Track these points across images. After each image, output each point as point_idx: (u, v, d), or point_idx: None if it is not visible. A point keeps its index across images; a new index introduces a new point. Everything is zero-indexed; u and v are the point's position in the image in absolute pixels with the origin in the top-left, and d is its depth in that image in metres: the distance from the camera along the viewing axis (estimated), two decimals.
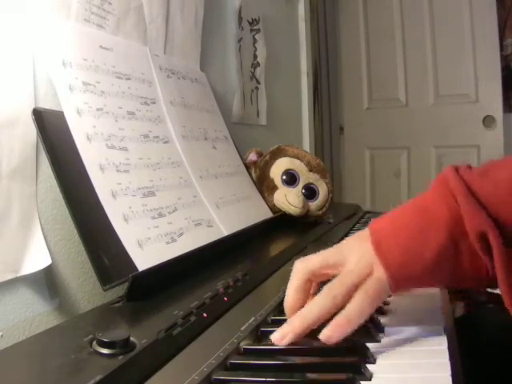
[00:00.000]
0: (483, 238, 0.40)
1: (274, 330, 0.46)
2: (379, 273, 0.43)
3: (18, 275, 0.55)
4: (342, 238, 0.91)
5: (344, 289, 0.43)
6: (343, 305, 0.42)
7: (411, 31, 2.29)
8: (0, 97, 0.55)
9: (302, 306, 0.45)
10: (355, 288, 0.43)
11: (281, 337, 0.43)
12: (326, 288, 0.44)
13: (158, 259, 0.56)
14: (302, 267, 0.47)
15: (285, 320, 0.45)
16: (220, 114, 0.98)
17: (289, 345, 0.42)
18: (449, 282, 0.45)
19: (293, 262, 0.68)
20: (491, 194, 0.41)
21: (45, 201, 0.62)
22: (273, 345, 0.44)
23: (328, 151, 2.46)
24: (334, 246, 0.47)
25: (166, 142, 0.74)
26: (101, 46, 0.69)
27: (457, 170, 0.44)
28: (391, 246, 0.43)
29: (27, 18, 0.59)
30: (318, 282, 0.48)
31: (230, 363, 0.39)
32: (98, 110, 0.63)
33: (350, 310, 0.42)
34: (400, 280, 0.43)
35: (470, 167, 0.45)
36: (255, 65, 1.38)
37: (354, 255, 0.45)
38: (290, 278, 0.47)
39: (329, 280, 0.45)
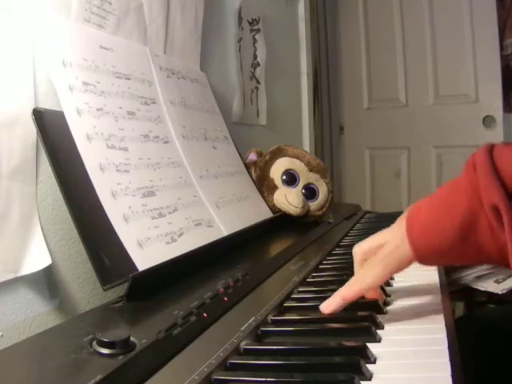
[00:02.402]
0: (497, 210, 0.40)
1: (274, 330, 0.47)
2: (404, 242, 0.45)
3: (18, 275, 0.55)
4: (342, 238, 0.91)
5: (379, 261, 0.47)
6: (380, 280, 0.47)
7: (411, 31, 2.29)
8: (0, 97, 0.55)
9: None
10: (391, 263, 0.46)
11: (326, 305, 0.48)
12: (365, 263, 0.49)
13: (158, 259, 0.56)
14: (357, 251, 0.52)
15: (285, 320, 0.47)
16: (220, 114, 0.98)
17: (289, 344, 0.43)
18: (473, 258, 0.44)
19: (293, 262, 0.69)
20: (510, 166, 0.41)
21: (45, 201, 0.62)
22: (273, 345, 0.44)
23: (328, 151, 2.46)
24: (387, 228, 0.51)
25: (166, 142, 0.74)
26: (101, 46, 0.69)
27: (492, 145, 0.44)
28: (419, 218, 0.45)
29: (27, 18, 0.59)
30: None
31: (230, 363, 0.39)
32: (98, 110, 0.63)
33: (365, 275, 0.46)
34: (421, 249, 0.44)
35: (508, 143, 0.45)
36: (255, 65, 1.38)
37: (392, 233, 0.48)
38: (354, 261, 0.53)
39: None
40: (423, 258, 0.45)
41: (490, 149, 0.43)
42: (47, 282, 0.61)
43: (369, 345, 0.40)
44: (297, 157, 0.98)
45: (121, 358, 0.36)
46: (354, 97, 2.48)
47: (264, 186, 0.96)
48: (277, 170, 0.97)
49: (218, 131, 0.94)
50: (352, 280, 0.48)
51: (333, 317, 0.48)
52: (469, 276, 1.01)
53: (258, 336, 0.46)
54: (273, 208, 0.95)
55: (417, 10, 2.26)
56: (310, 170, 0.98)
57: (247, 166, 0.99)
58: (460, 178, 0.45)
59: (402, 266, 0.47)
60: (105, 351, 0.37)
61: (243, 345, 0.42)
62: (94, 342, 0.38)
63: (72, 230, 0.56)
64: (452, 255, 0.44)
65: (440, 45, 2.22)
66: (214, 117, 0.96)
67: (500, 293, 0.93)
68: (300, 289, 0.59)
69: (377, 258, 0.48)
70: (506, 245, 0.39)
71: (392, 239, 0.48)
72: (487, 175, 0.41)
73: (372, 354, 0.39)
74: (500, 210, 0.39)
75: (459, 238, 0.42)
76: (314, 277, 0.65)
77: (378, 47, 2.38)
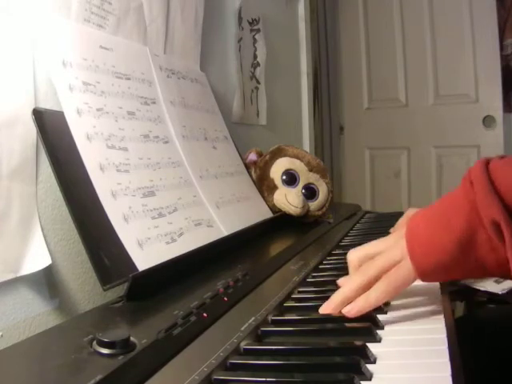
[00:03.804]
0: (497, 226, 0.40)
1: (274, 330, 0.47)
2: (406, 261, 0.46)
3: (18, 275, 0.55)
4: (342, 238, 0.91)
5: (372, 270, 0.48)
6: (370, 283, 0.47)
7: (411, 31, 2.29)
8: (0, 97, 0.55)
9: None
10: (384, 271, 0.47)
11: (324, 310, 0.49)
12: (359, 268, 0.50)
13: (158, 259, 0.56)
14: (352, 258, 0.53)
15: (285, 321, 0.47)
16: (220, 114, 0.98)
17: (289, 344, 0.43)
18: (474, 272, 0.45)
19: (293, 262, 0.69)
20: (509, 182, 0.41)
21: (45, 201, 0.62)
22: (273, 345, 0.44)
23: (328, 151, 2.46)
24: (383, 238, 0.52)
25: (166, 142, 0.74)
26: (101, 46, 0.69)
27: (488, 161, 0.44)
28: (418, 235, 0.46)
29: (27, 18, 0.59)
30: None
31: (230, 363, 0.39)
32: (98, 109, 0.63)
33: (370, 292, 0.46)
34: (424, 267, 0.45)
35: (503, 156, 0.45)
36: (255, 65, 1.38)
37: (390, 244, 0.49)
38: (349, 268, 0.53)
39: None
40: (426, 275, 0.46)
41: (486, 163, 0.44)
42: (47, 282, 0.61)
43: (369, 345, 0.40)
44: (297, 157, 0.98)
45: (121, 357, 0.36)
46: (354, 97, 2.48)
47: (264, 186, 0.96)
48: (277, 170, 0.97)
49: (218, 131, 0.94)
50: (359, 298, 0.48)
51: (333, 317, 0.49)
52: None
53: (258, 336, 0.46)
54: (273, 208, 0.95)
55: (417, 10, 2.26)
56: (310, 170, 0.98)
57: (247, 166, 0.99)
58: (457, 192, 0.45)
59: (405, 284, 0.47)
60: (105, 351, 0.37)
61: (243, 345, 0.42)
62: (94, 342, 0.38)
63: (72, 230, 0.56)
64: (453, 271, 0.45)
65: (440, 45, 2.22)
66: (213, 117, 0.96)
67: (500, 293, 0.93)
68: (300, 289, 0.59)
69: (374, 267, 0.48)
70: (506, 257, 0.40)
71: (389, 250, 0.48)
72: (485, 190, 0.41)
73: (372, 354, 0.39)
74: (500, 225, 0.40)
75: (459, 254, 0.43)
76: (314, 277, 0.65)
77: (378, 47, 2.38)
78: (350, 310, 0.47)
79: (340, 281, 0.53)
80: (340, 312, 0.48)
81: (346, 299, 0.49)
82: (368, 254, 0.51)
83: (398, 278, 0.46)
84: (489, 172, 0.42)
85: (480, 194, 0.41)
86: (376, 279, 0.48)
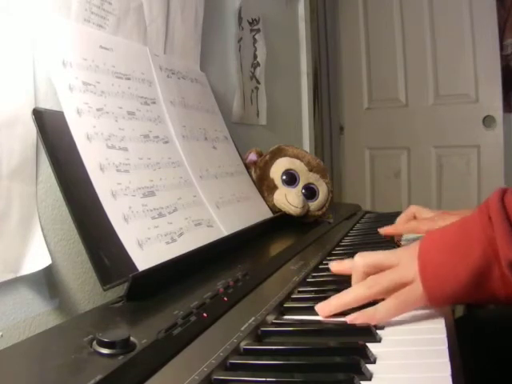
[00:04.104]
0: None
1: (274, 330, 0.47)
2: (417, 284, 0.46)
3: (18, 275, 0.55)
4: (342, 238, 0.91)
5: (381, 284, 0.48)
6: (376, 297, 0.48)
7: (411, 31, 2.29)
8: (0, 97, 0.55)
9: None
10: (393, 289, 0.47)
11: (320, 308, 0.49)
12: (368, 279, 0.49)
13: (158, 259, 0.56)
14: (361, 263, 0.52)
15: (285, 321, 0.48)
16: (220, 114, 0.98)
17: (289, 344, 0.43)
18: (482, 301, 0.47)
19: (293, 262, 0.69)
20: None
21: (45, 201, 0.62)
22: (273, 345, 0.44)
23: (328, 151, 2.46)
24: (392, 250, 0.52)
25: (166, 142, 0.74)
26: (101, 46, 0.69)
27: (504, 192, 0.45)
28: (431, 260, 0.46)
29: (27, 18, 0.59)
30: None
31: (230, 363, 0.39)
32: (98, 109, 0.63)
33: (379, 307, 0.46)
34: (435, 293, 0.46)
35: None
36: (255, 65, 1.38)
37: (404, 262, 0.48)
38: (352, 270, 0.53)
39: None
40: (435, 301, 0.46)
41: (502, 195, 0.44)
42: (47, 282, 0.61)
43: (369, 345, 0.40)
44: (297, 157, 0.98)
45: (121, 357, 0.36)
46: (354, 97, 2.48)
47: (264, 186, 0.96)
48: (277, 170, 0.97)
49: (218, 131, 0.94)
50: (368, 310, 0.47)
51: (333, 317, 0.49)
52: None
53: (258, 336, 0.46)
54: (273, 208, 0.95)
55: (417, 10, 2.26)
56: (310, 170, 0.98)
57: (247, 166, 0.99)
58: (473, 223, 0.45)
59: (413, 307, 0.47)
60: (105, 351, 0.37)
61: (243, 345, 0.42)
62: (94, 342, 0.38)
63: (72, 230, 0.56)
64: (463, 299, 0.46)
65: (440, 45, 2.22)
66: (213, 117, 0.96)
67: None
68: (300, 289, 0.59)
69: (383, 283, 0.48)
70: None
71: (401, 268, 0.48)
72: (505, 230, 0.42)
73: (372, 354, 0.39)
74: None
75: (472, 286, 0.44)
76: (314, 277, 0.65)
77: (377, 47, 2.39)
78: (355, 319, 0.47)
79: (333, 265, 0.55)
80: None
81: (346, 306, 0.49)
82: (377, 264, 0.51)
83: (409, 299, 0.47)
84: (505, 207, 0.43)
85: (499, 232, 0.42)
86: (381, 295, 0.48)
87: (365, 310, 0.47)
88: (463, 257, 0.44)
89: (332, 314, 0.49)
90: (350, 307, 0.48)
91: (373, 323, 0.46)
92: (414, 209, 0.80)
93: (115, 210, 0.57)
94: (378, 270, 0.50)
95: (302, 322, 0.49)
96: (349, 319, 0.47)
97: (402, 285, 0.47)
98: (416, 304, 0.47)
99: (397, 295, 0.47)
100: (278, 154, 0.99)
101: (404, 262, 0.48)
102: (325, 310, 0.49)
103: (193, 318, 0.45)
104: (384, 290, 0.48)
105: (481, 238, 0.44)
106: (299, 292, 0.59)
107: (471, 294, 0.44)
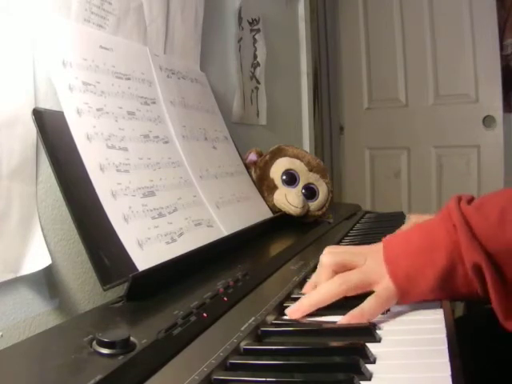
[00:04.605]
0: (478, 268, 0.46)
1: (274, 330, 0.47)
2: (388, 283, 0.49)
3: (18, 275, 0.55)
4: (342, 238, 0.91)
5: (351, 282, 0.50)
6: (346, 294, 0.50)
7: (411, 31, 2.29)
8: (0, 97, 0.55)
9: None
10: (362, 287, 0.50)
11: (292, 312, 0.50)
12: (336, 277, 0.51)
13: (158, 259, 0.56)
14: (327, 263, 0.54)
15: (285, 321, 0.48)
16: (220, 114, 0.98)
17: (289, 344, 0.43)
18: (449, 297, 0.51)
19: (293, 262, 0.69)
20: (483, 227, 0.47)
21: (45, 201, 0.62)
22: (273, 345, 0.44)
23: (328, 151, 2.46)
24: (358, 248, 0.56)
25: (166, 142, 0.74)
26: (101, 46, 0.69)
27: (459, 201, 0.50)
28: (400, 264, 0.50)
29: (27, 18, 0.59)
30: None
31: (230, 363, 0.39)
32: (98, 110, 0.63)
33: (365, 306, 0.48)
34: (406, 292, 0.49)
35: (472, 199, 0.52)
36: (255, 65, 1.38)
37: (370, 264, 0.52)
38: (318, 267, 0.55)
39: None
40: (407, 299, 0.50)
41: (458, 204, 0.50)
42: (47, 282, 0.61)
43: (369, 345, 0.41)
44: (297, 157, 0.98)
45: (121, 357, 0.36)
46: (353, 97, 2.48)
47: (264, 186, 0.96)
48: (277, 170, 0.97)
49: (218, 131, 0.94)
50: (354, 310, 0.48)
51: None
52: None
53: (258, 336, 0.46)
54: (273, 208, 0.95)
55: (417, 10, 2.26)
56: (310, 170, 0.98)
57: (247, 166, 0.99)
58: (438, 230, 0.50)
59: (389, 305, 0.50)
60: (105, 351, 0.37)
61: (243, 345, 0.42)
62: (94, 342, 0.38)
63: (72, 230, 0.56)
64: (431, 296, 0.50)
65: (440, 45, 2.22)
66: (213, 117, 0.96)
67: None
68: (300, 289, 0.59)
69: (354, 281, 0.51)
70: (476, 290, 0.47)
71: (370, 270, 0.51)
72: (468, 237, 0.47)
73: (372, 354, 0.40)
74: (482, 267, 0.45)
75: (439, 286, 0.48)
76: None
77: (377, 47, 2.38)
78: (347, 321, 0.48)
79: (308, 285, 0.56)
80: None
81: (318, 304, 0.50)
82: (345, 263, 0.53)
83: (387, 298, 0.49)
84: (465, 217, 0.48)
85: (463, 239, 0.47)
86: (350, 293, 0.50)
87: (351, 311, 0.48)
88: (430, 259, 0.48)
89: (305, 314, 0.50)
90: (323, 305, 0.50)
91: (361, 322, 0.47)
92: (414, 219, 0.80)
93: (115, 209, 0.57)
94: (345, 268, 0.53)
95: (302, 322, 0.49)
96: (339, 322, 0.48)
97: (369, 284, 0.50)
98: (392, 301, 0.50)
99: (376, 294, 0.49)
100: (278, 154, 0.99)
101: (370, 264, 0.51)
102: (297, 312, 0.50)
103: (193, 318, 0.45)
104: (353, 288, 0.50)
105: (446, 242, 0.48)
106: (299, 292, 0.59)
107: (438, 291, 0.49)
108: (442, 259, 0.48)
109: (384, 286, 0.49)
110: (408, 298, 0.50)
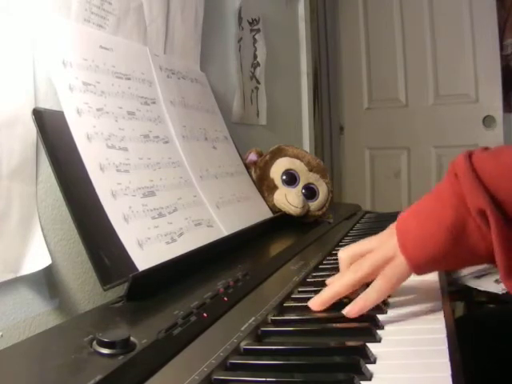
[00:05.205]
0: (483, 214, 0.42)
1: (274, 330, 0.47)
2: (399, 257, 0.47)
3: (18, 275, 0.55)
4: (342, 238, 0.91)
5: (365, 267, 0.49)
6: (364, 280, 0.49)
7: (411, 31, 2.29)
8: (0, 97, 0.55)
9: None
10: (377, 268, 0.48)
11: (314, 304, 0.50)
12: (352, 265, 0.51)
13: (158, 259, 0.56)
14: (344, 256, 0.53)
15: (285, 321, 0.48)
16: (220, 114, 0.98)
17: (289, 344, 0.43)
18: (466, 260, 0.46)
19: (293, 262, 0.69)
20: (492, 172, 0.43)
21: (45, 201, 0.62)
22: (273, 345, 0.44)
23: (328, 151, 2.46)
24: (373, 236, 0.53)
25: (166, 142, 0.74)
26: (101, 46, 0.69)
27: (471, 152, 0.46)
28: (408, 229, 0.47)
29: (27, 18, 0.59)
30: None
31: (230, 363, 0.39)
32: (98, 109, 0.63)
33: (368, 292, 0.47)
34: (418, 261, 0.46)
35: (486, 148, 0.47)
36: (255, 65, 1.38)
37: (384, 241, 0.49)
38: (340, 266, 0.54)
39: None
40: (420, 268, 0.47)
41: (469, 155, 0.45)
42: (47, 282, 0.61)
43: (369, 345, 0.40)
44: (297, 157, 0.98)
45: (121, 357, 0.36)
46: (354, 97, 2.48)
47: (264, 186, 0.96)
48: (277, 170, 0.97)
49: (218, 131, 0.94)
50: (358, 298, 0.48)
51: (333, 317, 0.49)
52: (468, 276, 1.01)
53: (258, 336, 0.46)
54: (273, 208, 0.95)
55: (417, 10, 2.26)
56: (310, 170, 0.98)
57: (247, 166, 0.99)
58: (442, 186, 0.47)
59: (402, 280, 0.48)
60: (105, 351, 0.37)
61: (243, 345, 0.42)
62: (94, 342, 0.38)
63: (72, 230, 0.56)
64: (446, 261, 0.46)
65: (440, 45, 2.22)
66: (214, 117, 0.96)
67: (500, 293, 0.93)
68: (300, 289, 0.59)
69: (366, 264, 0.49)
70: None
71: (381, 247, 0.49)
72: (470, 181, 0.43)
73: (372, 354, 0.39)
74: (486, 212, 0.41)
75: (451, 245, 0.44)
76: (313, 277, 0.65)
77: (377, 47, 2.38)
78: (351, 311, 0.47)
79: (329, 280, 0.54)
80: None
81: (336, 295, 0.50)
82: (359, 252, 0.52)
83: (394, 274, 0.47)
84: (472, 163, 0.44)
85: (465, 185, 0.43)
86: (368, 276, 0.49)
87: (355, 300, 0.47)
88: (437, 220, 0.45)
89: (326, 305, 0.50)
90: (342, 296, 0.50)
91: (368, 308, 0.46)
92: None
93: (115, 209, 0.57)
94: (361, 257, 0.51)
95: (302, 322, 0.49)
96: (345, 312, 0.47)
97: (386, 262, 0.48)
98: (402, 277, 0.48)
99: (383, 274, 0.48)
100: (278, 154, 0.99)
101: (383, 242, 0.49)
102: (317, 303, 0.50)
103: (193, 318, 0.45)
104: (370, 271, 0.49)
105: (450, 197, 0.44)
106: (299, 292, 0.59)
107: (452, 254, 0.45)
108: (449, 215, 0.44)
109: (396, 262, 0.47)
110: (420, 268, 0.47)
